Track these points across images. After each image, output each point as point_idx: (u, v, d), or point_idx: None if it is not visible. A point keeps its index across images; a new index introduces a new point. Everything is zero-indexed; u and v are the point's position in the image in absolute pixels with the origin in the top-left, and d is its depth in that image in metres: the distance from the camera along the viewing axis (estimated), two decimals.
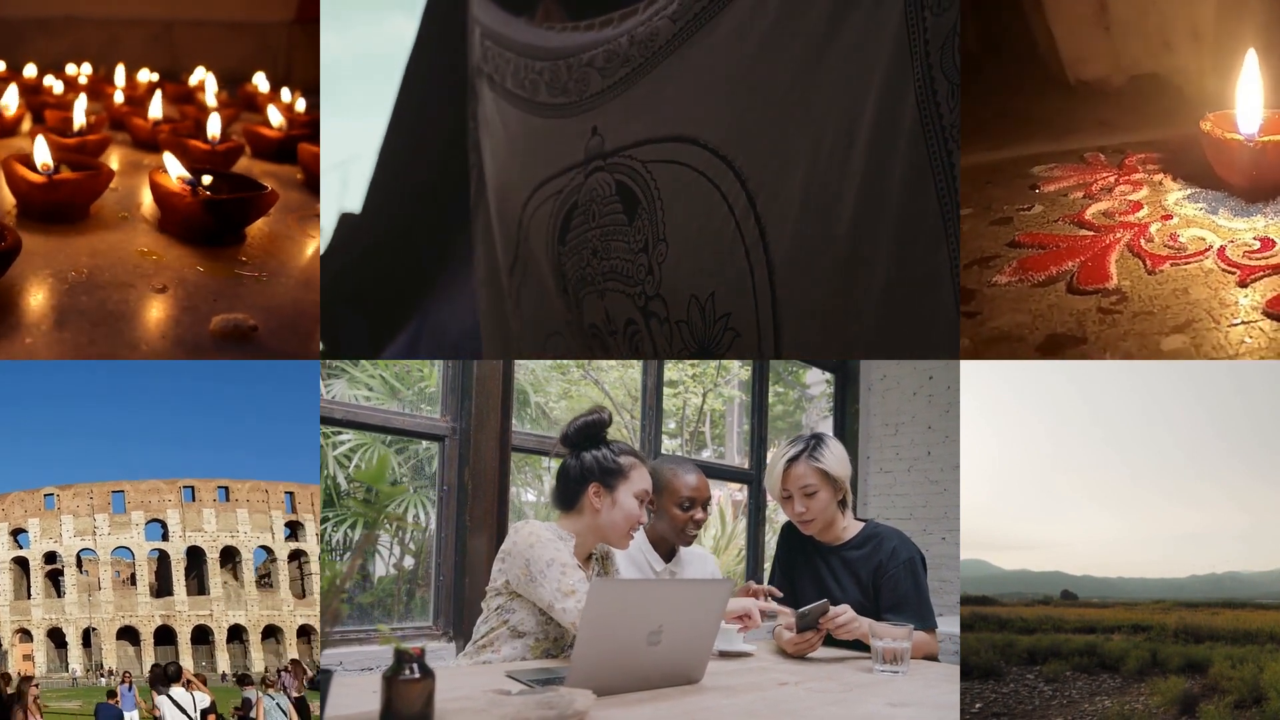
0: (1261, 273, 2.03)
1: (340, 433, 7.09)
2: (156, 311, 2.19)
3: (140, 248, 2.43)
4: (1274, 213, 2.20)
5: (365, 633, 3.88)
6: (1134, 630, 6.83)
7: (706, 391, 10.52)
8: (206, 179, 2.53)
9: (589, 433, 2.53)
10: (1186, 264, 2.09)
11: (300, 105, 4.10)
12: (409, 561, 7.34)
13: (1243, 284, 2.02)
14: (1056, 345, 1.93)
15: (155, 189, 2.53)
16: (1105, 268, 2.11)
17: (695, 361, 9.92)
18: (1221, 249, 2.12)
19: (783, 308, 1.86)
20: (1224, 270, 2.06)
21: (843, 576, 2.85)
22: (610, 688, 1.89)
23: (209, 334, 2.09)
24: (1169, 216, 2.26)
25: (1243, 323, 1.94)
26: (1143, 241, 2.18)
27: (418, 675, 1.45)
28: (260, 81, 4.64)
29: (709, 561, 3.45)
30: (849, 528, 2.90)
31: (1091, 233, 2.24)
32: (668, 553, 3.25)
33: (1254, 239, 2.13)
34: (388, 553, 7.40)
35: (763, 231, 1.88)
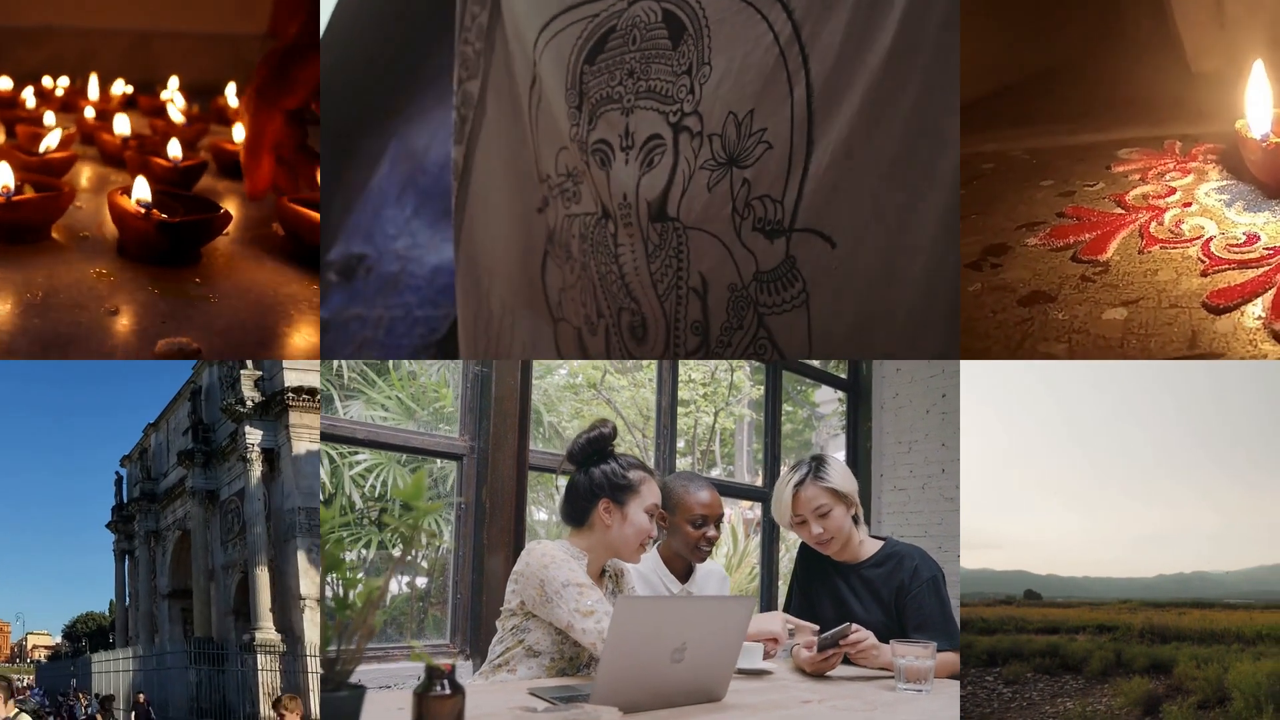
0: (1227, 266, 2.13)
1: (357, 452, 7.11)
2: (105, 334, 2.21)
3: (97, 268, 2.46)
4: None
5: (382, 650, 3.89)
6: (1099, 631, 6.74)
7: (718, 410, 10.53)
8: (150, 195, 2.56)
9: (596, 448, 2.53)
10: (1173, 249, 2.23)
11: None
12: (421, 581, 7.35)
13: (1204, 274, 2.14)
14: (1033, 300, 2.19)
15: (113, 210, 2.55)
16: (1107, 244, 2.29)
17: (707, 380, 9.93)
18: (1209, 240, 2.22)
19: (817, 127, 1.97)
20: (1199, 259, 2.17)
21: (864, 595, 2.84)
22: (634, 705, 1.90)
23: (154, 356, 2.12)
24: (1189, 204, 2.38)
25: (1177, 307, 2.06)
26: (1153, 225, 2.32)
27: (448, 691, 1.46)
28: (230, 94, 4.69)
29: (725, 580, 3.45)
30: (865, 544, 2.90)
31: (1122, 211, 2.40)
32: (683, 572, 3.24)
33: (1243, 234, 2.22)
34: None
35: (805, 59, 1.99)
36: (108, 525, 13.20)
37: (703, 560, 3.22)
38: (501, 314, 2.65)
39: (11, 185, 2.56)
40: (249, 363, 9.47)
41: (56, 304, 2.28)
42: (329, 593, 1.42)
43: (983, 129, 3.01)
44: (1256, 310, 2.02)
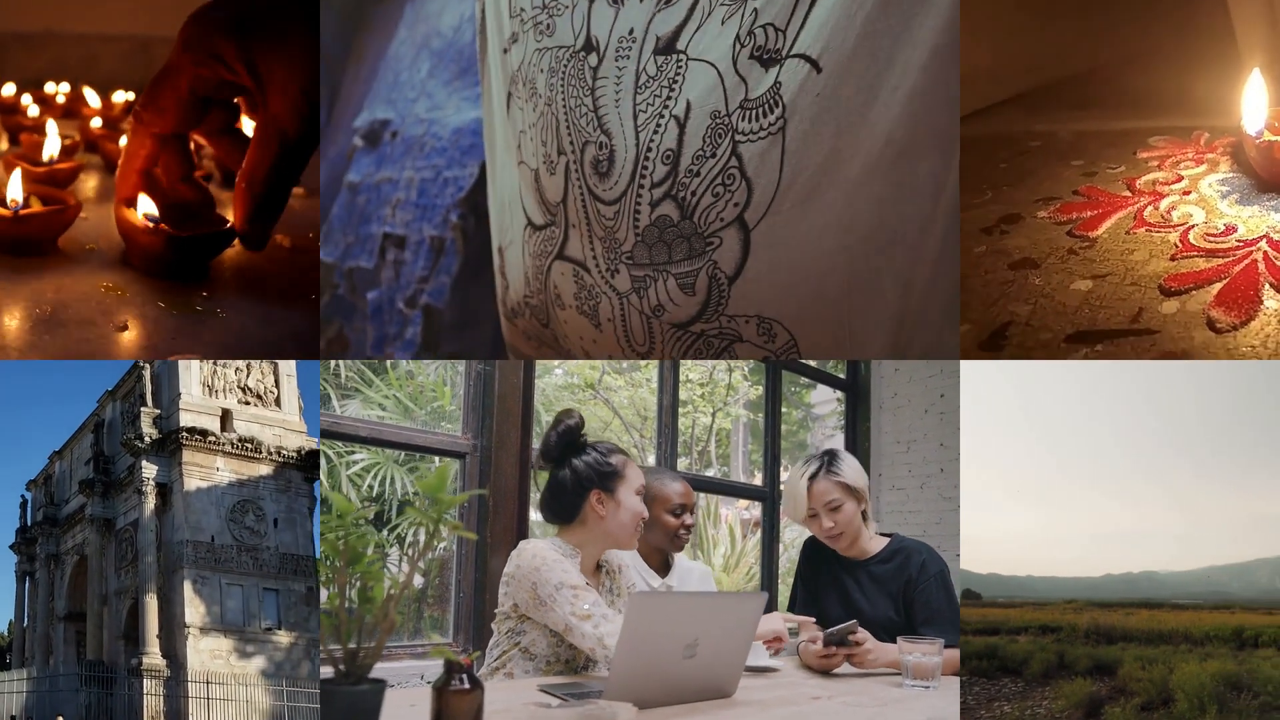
0: (1196, 253, 2.20)
1: (352, 451, 7.10)
2: (115, 350, 2.22)
3: (104, 282, 2.45)
4: (1274, 208, 2.32)
5: (385, 649, 3.89)
6: (1042, 631, 6.60)
7: (716, 411, 10.54)
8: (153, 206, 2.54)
9: (569, 440, 2.49)
10: (1157, 232, 2.31)
11: None
12: (418, 580, 7.35)
13: (1173, 258, 2.20)
14: (1021, 265, 2.31)
15: (120, 223, 2.53)
16: (1101, 222, 2.37)
17: (705, 380, 9.94)
18: (1190, 227, 2.29)
19: None
20: (1175, 244, 2.25)
21: (871, 591, 2.85)
22: (646, 701, 1.90)
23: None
24: (1189, 193, 2.44)
25: (1136, 286, 2.15)
26: (1148, 210, 2.39)
27: (468, 686, 1.46)
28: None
29: (708, 575, 3.45)
30: (873, 541, 2.91)
31: (1128, 194, 2.47)
32: (661, 566, 3.24)
33: (1223, 225, 2.28)
34: (397, 570, 7.41)
35: None
36: (11, 546, 13.57)
37: (681, 549, 3.24)
38: (491, 157, 2.61)
39: (20, 199, 2.55)
40: (149, 401, 10.08)
41: (66, 319, 2.27)
42: (350, 588, 1.41)
43: (1043, 111, 3.09)
44: (1204, 298, 2.08)
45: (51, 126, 3.46)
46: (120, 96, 4.65)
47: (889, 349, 2.05)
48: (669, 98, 2.08)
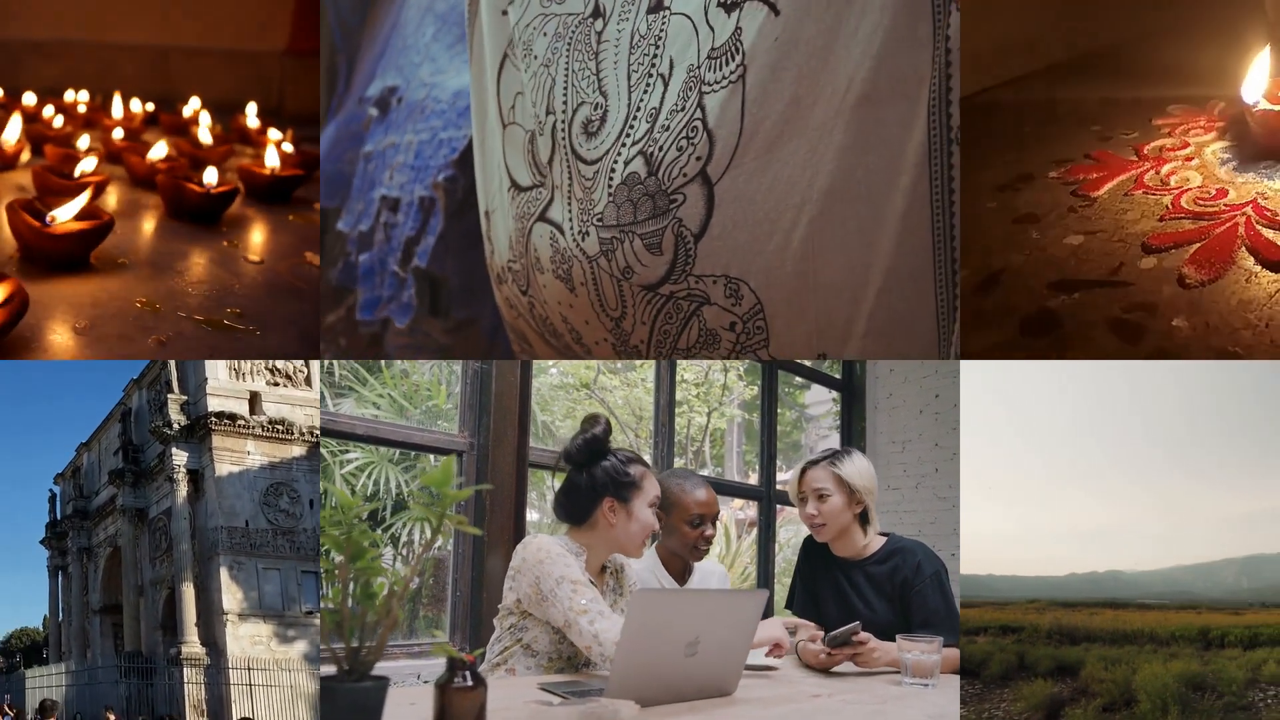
0: (1183, 216, 2.25)
1: (346, 450, 7.09)
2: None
3: (139, 298, 2.45)
4: (1268, 174, 2.36)
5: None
6: (1002, 632, 6.44)
7: (711, 411, 10.54)
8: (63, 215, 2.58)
9: (594, 448, 2.48)
10: (1153, 195, 2.37)
11: (288, 147, 4.11)
12: (413, 580, 7.34)
13: (1161, 219, 2.27)
14: (1024, 220, 2.41)
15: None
16: (1104, 184, 2.45)
17: (700, 380, 9.95)
18: (1184, 191, 2.34)
19: None
20: (1167, 206, 2.32)
21: (867, 592, 2.85)
22: (647, 699, 1.90)
23: None
24: (1191, 159, 2.50)
25: (1122, 242, 2.22)
26: (1149, 174, 2.45)
27: (470, 683, 1.46)
28: (251, 114, 4.66)
29: (726, 579, 3.43)
30: (871, 543, 2.91)
31: (1135, 159, 2.54)
32: (680, 572, 3.20)
33: (1215, 190, 2.33)
34: (392, 569, 7.40)
35: None
36: (42, 541, 13.45)
37: (700, 559, 3.19)
38: (478, 120, 2.58)
39: (62, 217, 2.54)
40: (175, 388, 10.01)
41: (105, 335, 2.28)
42: (352, 584, 1.41)
43: (1074, 80, 3.14)
44: (1182, 256, 2.14)
45: (80, 141, 3.44)
46: (138, 106, 4.62)
47: (857, 316, 1.99)
48: (655, 56, 2.05)
